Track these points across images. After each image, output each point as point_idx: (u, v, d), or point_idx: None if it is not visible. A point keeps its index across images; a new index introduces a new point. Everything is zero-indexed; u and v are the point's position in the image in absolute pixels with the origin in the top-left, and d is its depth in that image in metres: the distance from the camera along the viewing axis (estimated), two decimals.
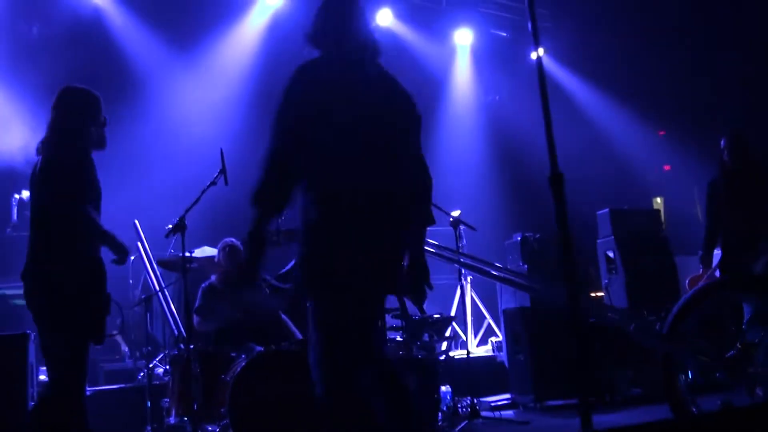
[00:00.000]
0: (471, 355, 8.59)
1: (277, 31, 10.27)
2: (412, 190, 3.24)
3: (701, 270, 9.16)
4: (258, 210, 3.00)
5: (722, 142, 6.61)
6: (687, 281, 9.34)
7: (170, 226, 5.13)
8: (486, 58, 11.61)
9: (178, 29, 9.79)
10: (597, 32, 11.28)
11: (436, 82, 11.46)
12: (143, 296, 5.90)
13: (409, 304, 5.92)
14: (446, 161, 10.97)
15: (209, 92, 9.62)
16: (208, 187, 5.09)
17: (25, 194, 8.66)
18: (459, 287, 9.19)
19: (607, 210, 7.90)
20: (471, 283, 9.19)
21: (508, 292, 7.82)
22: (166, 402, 5.29)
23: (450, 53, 11.55)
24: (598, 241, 7.98)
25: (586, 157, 11.30)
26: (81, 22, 9.35)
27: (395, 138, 3.28)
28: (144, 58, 9.64)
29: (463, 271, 9.24)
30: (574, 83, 11.76)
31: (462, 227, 9.19)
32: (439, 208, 6.29)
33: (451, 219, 6.28)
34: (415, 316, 5.39)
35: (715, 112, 11.26)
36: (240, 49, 10.12)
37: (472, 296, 9.21)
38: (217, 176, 5.13)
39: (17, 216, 8.52)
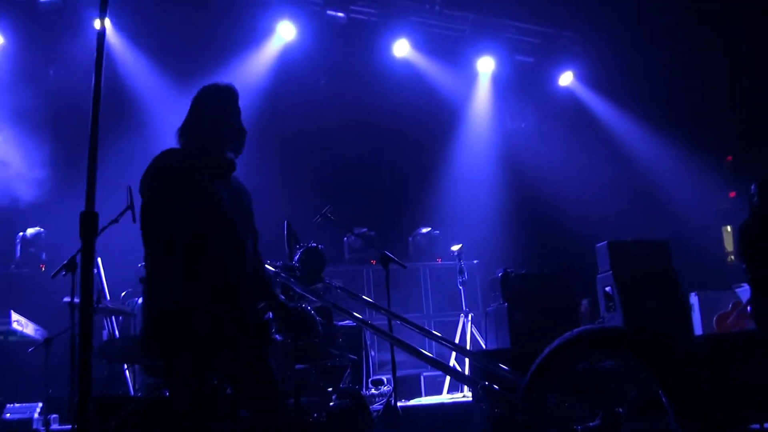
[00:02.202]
0: (465, 398, 8.16)
1: (285, 63, 10.25)
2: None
3: (730, 306, 8.46)
4: None
5: (752, 188, 6.58)
6: (715, 319, 8.59)
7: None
8: (509, 84, 11.17)
9: (190, 62, 9.85)
10: (634, 55, 10.65)
11: (453, 112, 11.09)
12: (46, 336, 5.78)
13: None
14: (458, 192, 10.60)
15: None
16: (109, 224, 4.93)
17: (30, 231, 8.84)
18: (460, 324, 8.81)
19: (605, 243, 7.29)
20: (472, 319, 8.71)
21: (492, 329, 7.33)
22: None
23: (470, 81, 11.16)
24: (598, 276, 7.36)
25: (628, 187, 10.69)
26: (92, 60, 9.52)
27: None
28: (152, 94, 9.75)
29: (464, 307, 8.85)
30: (611, 111, 11.14)
31: (463, 262, 8.86)
32: (364, 239, 5.90)
33: (380, 256, 5.85)
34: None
35: None
36: (247, 83, 10.09)
37: (472, 333, 8.70)
38: (122, 213, 4.97)
39: (21, 253, 8.68)
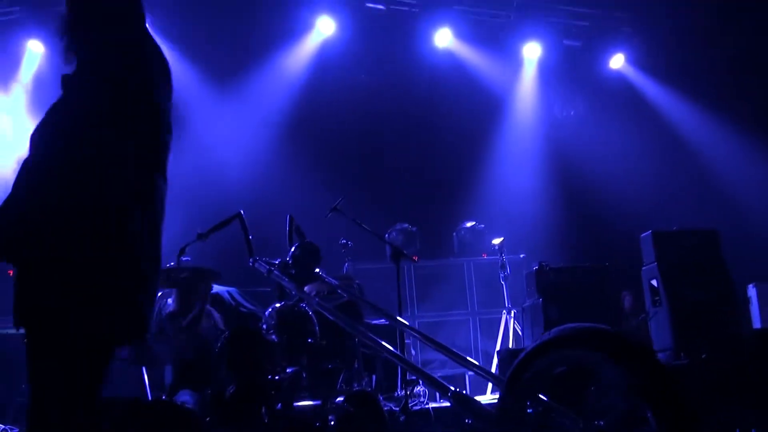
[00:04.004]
0: None
1: (325, 58, 10.12)
2: None
3: None
4: None
5: None
6: None
7: None
8: (557, 71, 10.70)
9: (228, 63, 9.83)
10: (688, 33, 10.03)
11: (499, 101, 10.71)
12: None
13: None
14: (505, 184, 10.24)
15: (246, 126, 9.66)
16: None
17: None
18: (503, 321, 8.48)
19: (649, 232, 6.85)
20: (515, 316, 8.35)
21: (528, 326, 6.98)
22: None
23: (516, 69, 10.75)
24: (643, 268, 6.92)
25: (684, 175, 10.14)
26: None
27: None
28: (191, 95, 9.74)
29: (507, 303, 8.51)
30: (664, 94, 10.54)
31: (505, 255, 8.51)
32: (379, 237, 5.66)
33: (392, 251, 5.58)
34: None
35: None
36: (287, 80, 10.03)
37: (515, 329, 8.34)
38: None
39: None
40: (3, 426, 6.21)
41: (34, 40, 9.11)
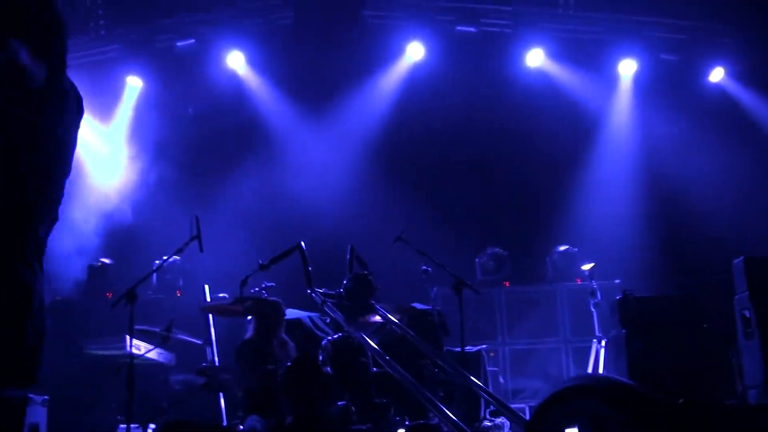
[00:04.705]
0: None
1: (415, 82, 10.15)
2: None
3: None
4: None
5: None
6: None
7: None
8: (654, 86, 10.25)
9: (321, 93, 10.03)
10: None
11: (593, 120, 10.37)
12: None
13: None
14: (600, 206, 9.87)
15: (333, 153, 9.82)
16: (175, 252, 4.98)
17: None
18: (593, 351, 8.16)
19: (741, 259, 6.41)
20: (605, 345, 8.00)
21: (611, 359, 6.67)
22: None
23: (610, 87, 10.38)
24: (735, 297, 6.49)
25: None
26: (226, 94, 9.96)
27: None
28: (281, 121, 10.03)
29: (596, 332, 8.19)
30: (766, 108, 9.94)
31: (596, 281, 8.21)
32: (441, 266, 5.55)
33: (454, 281, 5.44)
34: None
35: None
36: (378, 106, 10.13)
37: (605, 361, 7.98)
38: (187, 243, 5.01)
39: (157, 280, 9.12)
40: None
41: (133, 75, 9.61)
